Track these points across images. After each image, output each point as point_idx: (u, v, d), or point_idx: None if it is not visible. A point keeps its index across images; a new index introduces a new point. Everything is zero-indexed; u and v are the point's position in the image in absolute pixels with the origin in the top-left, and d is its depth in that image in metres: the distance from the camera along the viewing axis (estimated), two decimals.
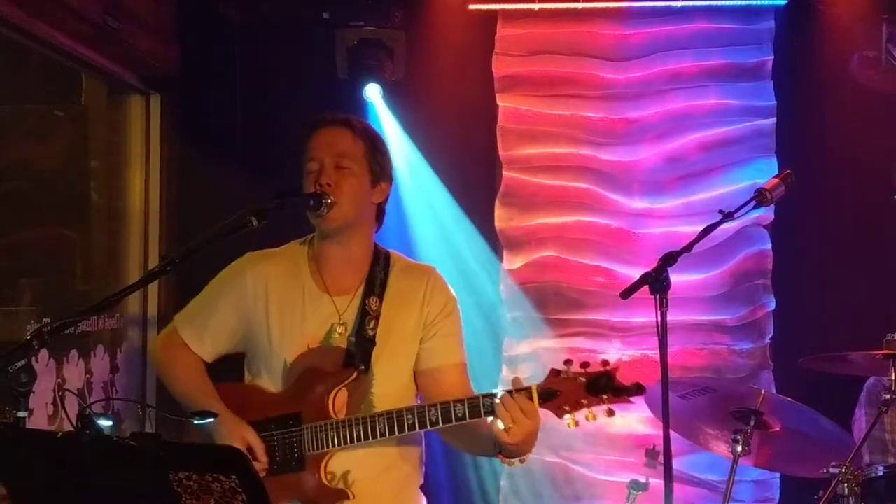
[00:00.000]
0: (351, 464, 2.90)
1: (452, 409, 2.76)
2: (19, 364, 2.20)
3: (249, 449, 2.84)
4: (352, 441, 2.83)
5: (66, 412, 3.97)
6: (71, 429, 2.12)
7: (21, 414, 2.20)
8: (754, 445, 3.78)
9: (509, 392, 2.71)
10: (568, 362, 2.72)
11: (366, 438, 2.82)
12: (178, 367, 3.05)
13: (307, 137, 2.98)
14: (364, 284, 3.00)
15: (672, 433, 3.04)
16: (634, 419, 5.30)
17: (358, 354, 2.91)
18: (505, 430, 2.69)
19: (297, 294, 2.99)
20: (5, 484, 2.16)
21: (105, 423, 2.10)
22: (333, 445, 2.84)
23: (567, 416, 2.70)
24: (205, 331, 3.04)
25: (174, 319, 3.12)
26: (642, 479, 4.25)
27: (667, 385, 2.98)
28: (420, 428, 2.80)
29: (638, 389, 2.72)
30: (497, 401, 2.71)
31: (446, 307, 3.04)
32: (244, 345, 3.05)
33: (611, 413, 2.72)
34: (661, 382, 2.96)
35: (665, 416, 2.96)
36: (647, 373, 5.20)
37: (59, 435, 2.11)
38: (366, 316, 2.94)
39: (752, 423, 3.73)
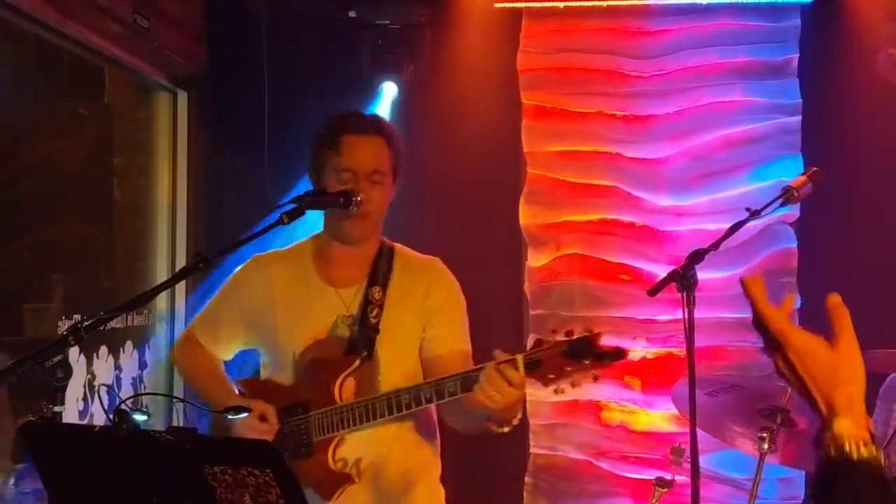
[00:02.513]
0: (363, 450, 2.99)
1: (446, 386, 2.81)
2: (56, 359, 2.24)
3: (262, 417, 2.96)
4: (353, 424, 2.91)
5: (103, 406, 4.02)
6: (104, 423, 2.14)
7: (58, 409, 2.23)
8: (780, 443, 3.76)
9: (496, 364, 2.68)
10: (554, 331, 2.65)
11: (366, 420, 2.90)
12: (197, 366, 3.25)
13: (340, 140, 3.03)
14: (368, 276, 3.09)
15: (698, 431, 3.06)
16: (660, 417, 5.31)
17: (361, 342, 3.01)
18: (489, 399, 2.67)
19: (303, 290, 3.10)
20: (42, 478, 2.19)
21: (140, 417, 2.13)
22: (337, 429, 2.93)
23: (552, 385, 2.64)
24: (218, 332, 3.21)
25: (191, 323, 3.31)
26: (668, 477, 4.24)
27: (693, 382, 3.00)
28: (416, 406, 2.86)
29: (618, 354, 2.60)
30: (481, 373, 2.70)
31: (449, 298, 3.12)
32: (256, 342, 3.20)
33: (595, 378, 2.62)
34: (687, 380, 2.98)
35: (692, 413, 2.97)
36: (673, 370, 5.21)
37: (95, 429, 2.14)
38: (368, 305, 3.04)
39: (778, 420, 3.72)
